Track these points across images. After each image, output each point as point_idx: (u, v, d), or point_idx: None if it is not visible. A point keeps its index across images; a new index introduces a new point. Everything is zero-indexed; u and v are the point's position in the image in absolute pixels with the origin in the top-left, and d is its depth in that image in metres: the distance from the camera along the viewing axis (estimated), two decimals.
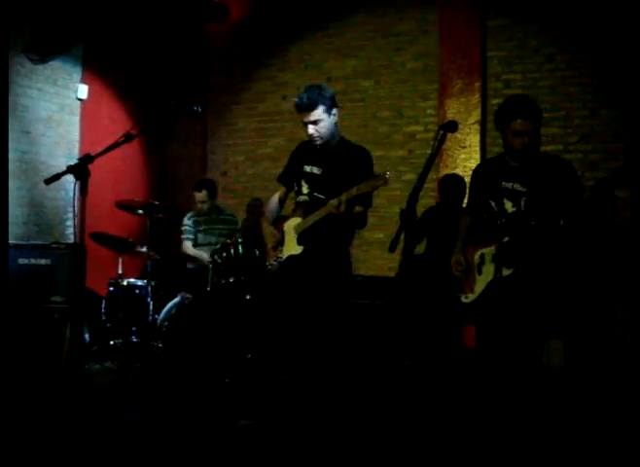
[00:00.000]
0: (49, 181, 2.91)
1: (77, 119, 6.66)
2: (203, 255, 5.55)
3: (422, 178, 3.11)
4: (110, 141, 3.16)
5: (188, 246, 5.86)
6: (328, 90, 3.74)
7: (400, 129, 6.74)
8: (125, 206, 5.58)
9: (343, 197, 3.42)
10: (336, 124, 3.77)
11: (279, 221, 3.95)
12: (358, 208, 3.61)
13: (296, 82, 7.24)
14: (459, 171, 6.24)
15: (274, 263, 3.83)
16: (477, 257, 3.65)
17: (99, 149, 3.06)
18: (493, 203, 3.60)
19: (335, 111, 3.74)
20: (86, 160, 2.92)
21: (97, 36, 6.76)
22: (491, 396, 3.53)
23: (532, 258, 3.45)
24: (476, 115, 6.23)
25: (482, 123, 6.23)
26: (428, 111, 6.59)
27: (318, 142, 3.72)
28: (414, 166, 6.48)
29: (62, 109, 6.51)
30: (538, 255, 3.45)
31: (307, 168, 3.80)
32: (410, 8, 6.71)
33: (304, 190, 3.79)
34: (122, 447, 3.32)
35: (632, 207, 5.18)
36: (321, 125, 3.67)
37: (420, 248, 5.67)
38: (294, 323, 3.71)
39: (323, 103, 3.65)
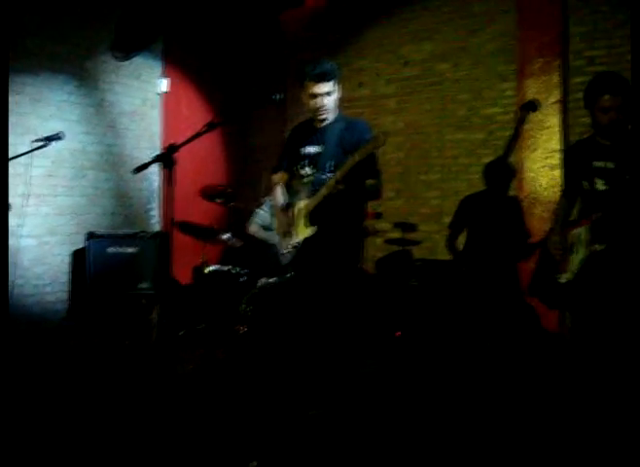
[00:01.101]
0: (138, 170, 3.02)
1: (158, 112, 6.86)
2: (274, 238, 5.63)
3: (504, 159, 3.07)
4: (191, 132, 3.25)
5: (250, 226, 5.90)
6: (334, 64, 3.72)
7: (479, 112, 6.63)
8: (208, 195, 5.69)
9: (338, 175, 3.43)
10: (338, 99, 3.75)
11: (287, 208, 3.93)
12: (369, 181, 3.61)
13: (372, 67, 7.25)
14: (540, 153, 6.11)
15: (290, 249, 3.81)
16: (572, 236, 3.65)
17: (181, 140, 3.15)
18: (586, 183, 3.58)
19: (339, 87, 3.73)
20: (171, 149, 3.02)
21: (176, 30, 6.94)
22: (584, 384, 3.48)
23: (624, 233, 3.41)
24: (556, 94, 6.06)
25: (564, 102, 6.06)
26: (507, 92, 6.46)
27: (325, 115, 3.71)
28: (495, 148, 6.38)
29: (145, 103, 6.71)
30: (629, 230, 3.40)
31: (307, 149, 3.79)
32: None
33: (308, 170, 3.78)
34: (203, 432, 3.42)
35: None
36: (332, 97, 3.67)
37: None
38: (319, 303, 3.70)
39: (335, 76, 3.66)
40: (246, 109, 4.33)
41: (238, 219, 5.89)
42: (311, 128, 3.82)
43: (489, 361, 4.69)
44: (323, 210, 3.66)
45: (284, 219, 3.89)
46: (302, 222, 3.77)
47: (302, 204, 3.79)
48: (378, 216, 6.34)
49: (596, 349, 3.49)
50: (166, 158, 2.98)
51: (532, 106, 3.25)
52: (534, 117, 5.74)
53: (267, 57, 7.67)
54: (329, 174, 3.60)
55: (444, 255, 6.26)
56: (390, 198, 7.02)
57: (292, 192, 3.99)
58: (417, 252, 6.22)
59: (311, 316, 3.73)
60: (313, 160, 3.76)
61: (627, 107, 3.41)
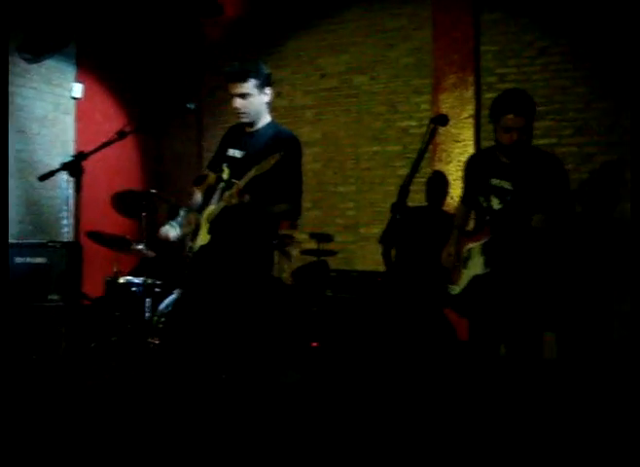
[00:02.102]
0: (43, 177, 2.92)
1: (72, 118, 6.68)
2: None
3: (413, 172, 3.11)
4: (104, 139, 3.18)
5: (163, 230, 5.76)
6: (264, 68, 3.55)
7: (394, 125, 6.75)
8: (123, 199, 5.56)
9: (234, 189, 3.29)
10: (266, 104, 3.58)
11: (200, 210, 3.75)
12: (282, 206, 3.46)
13: (290, 79, 7.27)
14: (453, 166, 6.26)
15: (189, 255, 3.67)
16: (465, 250, 3.67)
17: (94, 147, 3.07)
18: (482, 198, 3.59)
19: (268, 90, 3.55)
20: (80, 157, 2.93)
21: (91, 34, 6.77)
22: (481, 392, 3.55)
23: (513, 257, 3.45)
24: (470, 109, 6.24)
25: (477, 117, 6.24)
26: (422, 106, 6.60)
27: (243, 119, 3.54)
28: (409, 161, 6.41)
29: (57, 108, 6.52)
30: (515, 256, 3.45)
31: (230, 152, 3.63)
32: (403, 3, 6.72)
33: (225, 175, 3.62)
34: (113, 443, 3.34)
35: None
36: (250, 100, 3.48)
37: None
38: (210, 313, 3.58)
39: (256, 78, 3.47)
40: (161, 117, 4.26)
41: (152, 229, 5.77)
42: (241, 132, 3.67)
43: (403, 368, 4.74)
44: (222, 222, 3.51)
45: (190, 223, 3.72)
46: (204, 229, 3.62)
47: (208, 210, 3.64)
48: (295, 226, 6.35)
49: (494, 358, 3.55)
50: (74, 166, 2.90)
51: (442, 120, 3.30)
52: (448, 130, 5.92)
53: (185, 66, 7.60)
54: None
55: (359, 266, 6.36)
56: (306, 209, 7.01)
57: (211, 194, 3.81)
58: (333, 262, 6.25)
59: (223, 326, 3.60)
60: (233, 164, 3.60)
61: (530, 128, 3.40)
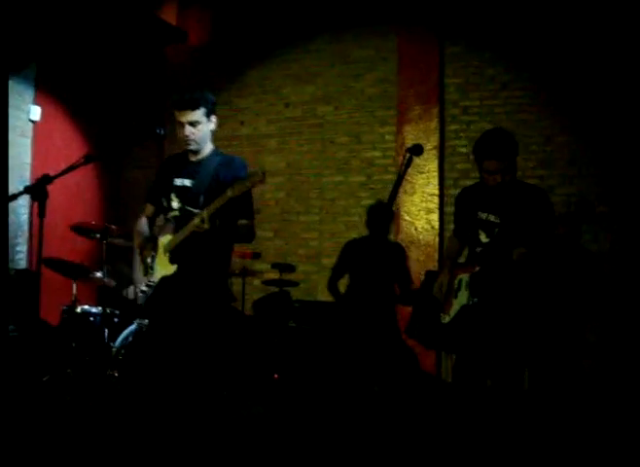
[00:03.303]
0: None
1: (29, 141, 6.49)
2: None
3: (391, 199, 3.10)
4: (64, 164, 3.08)
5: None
6: (210, 96, 3.59)
7: (358, 155, 6.76)
8: (81, 230, 5.44)
9: (205, 214, 3.26)
10: (211, 131, 3.61)
11: (149, 242, 3.69)
12: (242, 221, 3.51)
13: (253, 107, 7.25)
14: (418, 197, 6.28)
15: (145, 289, 3.59)
16: (456, 281, 3.73)
17: (53, 172, 2.96)
18: (471, 232, 3.66)
19: (213, 118, 3.58)
20: (44, 180, 2.82)
21: (51, 57, 6.63)
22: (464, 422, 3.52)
23: (495, 289, 3.50)
24: (434, 140, 6.28)
25: (441, 148, 6.30)
26: (387, 137, 6.64)
27: (192, 146, 3.55)
28: (373, 192, 6.51)
29: (14, 130, 6.32)
30: (501, 287, 3.50)
31: (178, 182, 3.59)
32: (369, 35, 6.79)
33: (175, 204, 3.58)
34: None
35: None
36: (199, 127, 3.50)
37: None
38: (176, 345, 3.50)
39: (205, 106, 3.50)
40: (127, 142, 4.17)
41: (112, 257, 5.62)
42: (185, 161, 3.64)
43: (369, 402, 4.68)
44: (186, 248, 3.45)
45: (144, 254, 3.65)
46: (163, 259, 3.56)
47: (165, 240, 3.58)
48: (256, 256, 6.28)
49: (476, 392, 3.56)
50: (38, 189, 2.78)
51: (418, 150, 3.30)
52: (413, 162, 5.92)
53: (147, 93, 7.50)
54: (199, 209, 3.41)
55: (322, 296, 6.28)
56: (269, 239, 6.99)
57: (157, 226, 3.77)
58: (296, 293, 6.18)
59: (184, 358, 3.51)
60: (183, 193, 3.57)
61: (513, 166, 3.46)
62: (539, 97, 6.11)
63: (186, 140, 3.53)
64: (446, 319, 3.72)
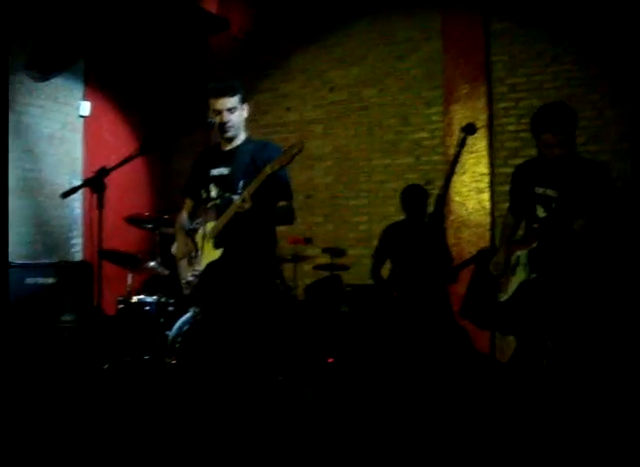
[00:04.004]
0: (66, 194, 2.86)
1: (80, 136, 6.62)
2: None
3: (447, 182, 3.07)
4: (114, 157, 3.13)
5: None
6: (241, 83, 3.65)
7: (405, 137, 6.70)
8: (135, 220, 5.53)
9: (246, 193, 3.31)
10: (245, 119, 3.66)
11: (191, 234, 3.76)
12: (281, 203, 3.54)
13: (298, 93, 7.24)
14: (468, 176, 6.20)
15: (191, 279, 3.63)
16: (513, 258, 3.69)
17: (103, 165, 3.02)
18: (528, 208, 3.63)
19: (246, 107, 3.63)
20: (102, 173, 2.87)
21: (99, 52, 6.73)
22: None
23: (555, 264, 3.46)
24: (482, 119, 6.17)
25: (489, 127, 6.20)
26: (433, 117, 6.56)
27: (230, 133, 3.60)
28: (422, 173, 6.46)
29: (65, 126, 6.46)
30: (561, 261, 3.45)
31: (215, 172, 3.65)
32: (412, 15, 6.70)
33: (214, 194, 3.64)
34: None
35: None
36: (236, 114, 3.56)
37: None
38: (227, 329, 3.56)
39: (240, 93, 3.57)
40: (176, 133, 4.20)
41: (165, 246, 5.69)
42: (218, 151, 3.70)
43: (424, 384, 4.66)
44: (231, 231, 3.50)
45: (187, 245, 3.72)
46: (208, 245, 3.60)
47: (208, 227, 3.62)
48: (308, 241, 6.29)
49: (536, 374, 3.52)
50: (97, 182, 2.83)
51: (471, 129, 3.27)
52: None
53: (194, 82, 7.54)
54: (239, 195, 3.45)
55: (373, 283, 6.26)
56: (319, 224, 7.00)
57: (198, 216, 3.81)
58: (347, 277, 6.18)
59: (240, 344, 3.54)
60: (221, 182, 3.62)
61: (572, 139, 3.40)
62: (588, 70, 5.95)
63: (224, 127, 3.57)
64: (504, 297, 3.69)
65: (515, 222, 3.86)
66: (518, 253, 3.66)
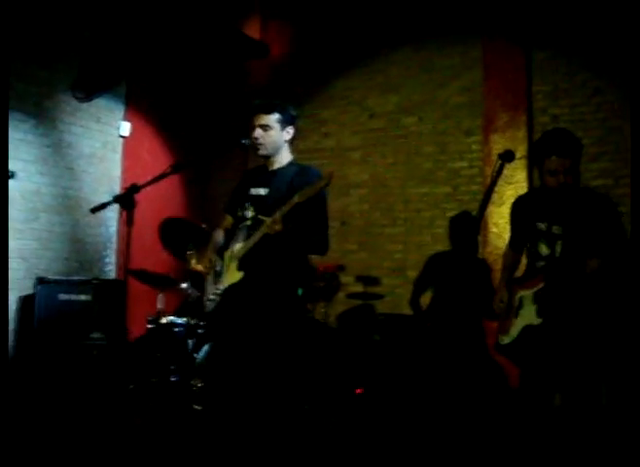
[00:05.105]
0: (95, 210, 2.86)
1: (119, 156, 6.70)
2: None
3: (482, 209, 2.98)
4: (151, 177, 3.11)
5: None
6: (290, 108, 3.57)
7: (444, 166, 6.62)
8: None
9: (277, 215, 3.20)
10: (286, 142, 3.56)
11: (221, 252, 3.67)
12: (314, 231, 3.41)
13: (337, 119, 7.23)
14: (505, 208, 6.02)
15: (213, 297, 3.55)
16: (516, 298, 3.48)
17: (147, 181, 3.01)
18: (529, 244, 3.46)
19: (290, 130, 3.54)
20: (132, 189, 2.86)
21: (140, 74, 6.83)
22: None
23: (567, 310, 3.26)
24: (522, 150, 6.07)
25: (530, 158, 6.09)
26: (473, 146, 6.48)
27: (261, 151, 3.51)
28: (460, 203, 6.35)
29: (105, 146, 6.54)
30: (570, 305, 3.26)
31: (253, 191, 3.57)
32: (453, 43, 6.66)
33: (249, 213, 3.54)
34: None
35: None
36: (270, 133, 3.47)
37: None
38: (245, 355, 3.43)
39: (280, 113, 3.49)
40: (208, 156, 4.20)
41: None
42: (262, 171, 3.63)
43: (455, 419, 4.54)
44: (256, 255, 3.40)
45: (211, 262, 3.64)
46: (232, 266, 3.52)
47: (236, 247, 3.55)
48: (341, 269, 6.23)
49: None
50: (127, 198, 2.82)
51: (509, 156, 3.18)
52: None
53: (233, 106, 7.60)
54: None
55: (407, 309, 6.14)
56: (353, 251, 6.93)
57: (233, 235, 3.72)
58: (380, 306, 6.09)
59: (261, 370, 3.43)
60: (257, 202, 3.53)
61: (577, 168, 3.25)
62: (633, 102, 5.82)
63: (254, 143, 3.51)
64: (505, 340, 3.47)
65: (516, 258, 3.67)
66: (522, 293, 3.44)
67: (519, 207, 3.61)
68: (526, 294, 3.42)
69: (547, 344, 3.30)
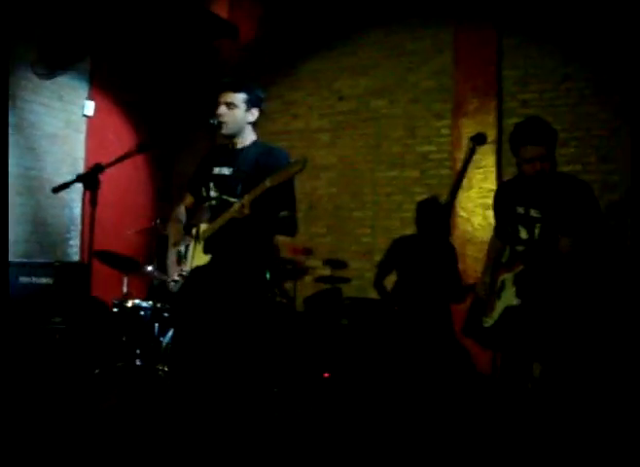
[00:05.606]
0: (56, 189, 2.76)
1: (83, 136, 6.54)
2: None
3: (453, 194, 2.97)
4: (116, 158, 3.03)
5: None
6: (258, 89, 3.53)
7: (413, 150, 6.60)
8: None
9: (246, 199, 3.16)
10: (250, 123, 3.50)
11: (184, 231, 3.62)
12: (283, 213, 3.39)
13: (306, 101, 7.15)
14: (474, 192, 6.10)
15: (178, 279, 3.48)
16: (499, 281, 3.58)
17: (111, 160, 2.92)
18: (509, 228, 3.52)
19: (255, 111, 3.48)
20: (96, 169, 2.76)
21: (105, 52, 6.66)
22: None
23: (542, 290, 3.35)
24: (492, 134, 6.07)
25: (499, 142, 6.10)
26: (442, 130, 6.47)
27: (224, 130, 3.44)
28: (428, 187, 6.35)
29: (68, 125, 6.38)
30: (549, 287, 3.35)
31: (216, 170, 3.52)
32: (424, 27, 6.62)
33: (213, 193, 3.50)
34: None
35: None
36: (234, 112, 3.41)
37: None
38: (213, 338, 3.40)
39: (247, 93, 3.44)
40: (174, 136, 4.11)
41: (164, 250, 5.59)
42: (225, 151, 3.57)
43: (422, 403, 4.55)
44: (223, 237, 3.36)
45: (179, 243, 3.58)
46: (198, 248, 3.47)
47: (201, 228, 3.49)
48: (308, 252, 6.19)
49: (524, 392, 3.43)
50: (90, 178, 2.73)
51: (481, 139, 3.18)
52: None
53: (201, 86, 7.47)
54: (237, 198, 3.30)
55: (374, 294, 6.14)
56: (321, 235, 6.89)
57: (195, 215, 3.68)
58: (348, 290, 6.06)
59: (228, 355, 3.40)
60: (221, 182, 3.48)
61: (552, 155, 3.33)
62: (603, 88, 5.86)
63: (217, 120, 3.43)
64: (489, 323, 3.57)
65: (502, 244, 3.71)
66: (504, 276, 3.54)
67: (501, 194, 3.67)
68: (507, 277, 3.51)
69: (523, 324, 3.37)
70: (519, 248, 3.49)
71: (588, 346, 4.04)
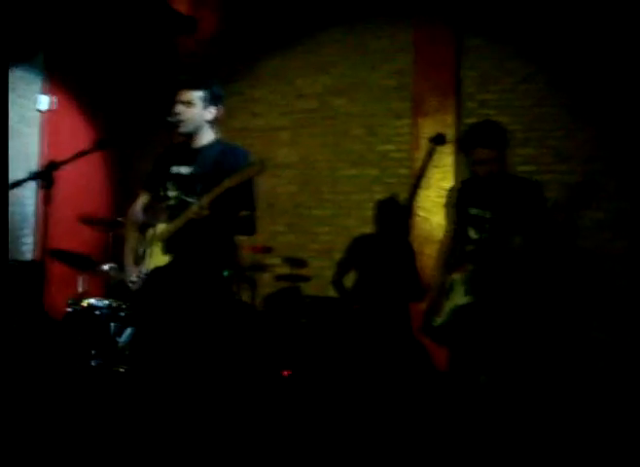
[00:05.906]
0: (10, 187, 2.68)
1: (37, 131, 6.38)
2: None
3: (413, 194, 3.00)
4: (72, 155, 2.96)
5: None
6: (218, 87, 3.51)
7: (373, 148, 6.62)
8: (89, 221, 5.34)
9: (204, 200, 3.16)
10: (208, 122, 3.49)
11: (142, 230, 3.59)
12: (243, 212, 3.40)
13: (266, 99, 7.11)
14: (433, 191, 6.12)
15: (135, 279, 3.45)
16: (448, 282, 3.62)
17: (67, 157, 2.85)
18: (460, 230, 3.59)
19: (212, 109, 3.47)
20: (51, 166, 2.71)
21: (60, 45, 6.50)
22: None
23: (492, 289, 3.43)
24: (450, 134, 6.10)
25: (457, 142, 6.14)
26: (402, 130, 6.49)
27: (181, 128, 3.44)
28: (388, 186, 6.36)
29: (21, 120, 6.21)
30: (497, 283, 3.42)
31: (174, 169, 3.49)
32: (384, 26, 6.64)
33: (171, 193, 3.47)
34: None
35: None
36: (192, 110, 3.41)
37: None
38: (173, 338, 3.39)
39: (204, 90, 3.43)
40: (137, 132, 4.04)
41: (121, 249, 5.51)
42: (184, 149, 3.53)
43: (381, 401, 4.57)
44: (182, 238, 3.33)
45: (137, 243, 3.55)
46: (156, 248, 3.43)
47: (159, 229, 3.46)
48: (268, 250, 6.16)
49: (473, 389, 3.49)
50: (45, 175, 2.67)
51: (441, 139, 3.22)
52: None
53: (160, 82, 7.37)
54: (194, 199, 3.28)
55: (334, 292, 6.14)
56: (281, 233, 6.86)
57: (153, 214, 3.64)
58: (307, 289, 6.05)
59: (190, 353, 3.38)
60: (180, 181, 3.45)
61: (503, 157, 3.41)
62: (560, 91, 5.96)
63: (176, 119, 3.42)
64: (438, 322, 3.62)
65: (453, 245, 3.77)
66: (453, 277, 3.58)
67: (452, 196, 3.74)
68: (457, 277, 3.55)
69: (473, 321, 3.43)
70: (469, 248, 3.55)
71: (537, 341, 4.13)
